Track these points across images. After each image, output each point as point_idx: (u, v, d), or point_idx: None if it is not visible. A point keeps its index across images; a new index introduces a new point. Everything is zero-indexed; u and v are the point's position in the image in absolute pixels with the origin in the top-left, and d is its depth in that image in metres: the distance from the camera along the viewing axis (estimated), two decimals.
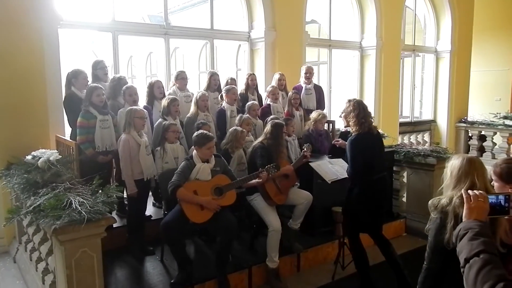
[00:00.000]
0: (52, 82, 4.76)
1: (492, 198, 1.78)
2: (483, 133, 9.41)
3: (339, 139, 4.05)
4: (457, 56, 9.64)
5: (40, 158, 3.62)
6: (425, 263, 2.37)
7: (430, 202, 2.28)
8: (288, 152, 4.65)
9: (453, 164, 2.26)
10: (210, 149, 3.62)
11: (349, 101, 3.55)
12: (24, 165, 3.72)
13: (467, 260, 1.55)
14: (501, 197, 1.79)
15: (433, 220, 2.27)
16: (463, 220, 1.74)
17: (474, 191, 1.77)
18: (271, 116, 4.84)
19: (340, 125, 6.88)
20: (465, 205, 1.74)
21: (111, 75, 4.90)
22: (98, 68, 4.68)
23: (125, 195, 4.16)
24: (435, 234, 2.25)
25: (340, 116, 3.68)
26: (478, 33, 10.16)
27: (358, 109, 3.46)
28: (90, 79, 4.61)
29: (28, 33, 4.53)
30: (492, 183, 2.28)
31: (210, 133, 3.75)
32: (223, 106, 5.04)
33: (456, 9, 9.43)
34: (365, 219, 3.55)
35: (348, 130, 5.95)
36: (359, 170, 3.46)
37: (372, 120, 3.60)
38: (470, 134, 9.74)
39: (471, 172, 2.18)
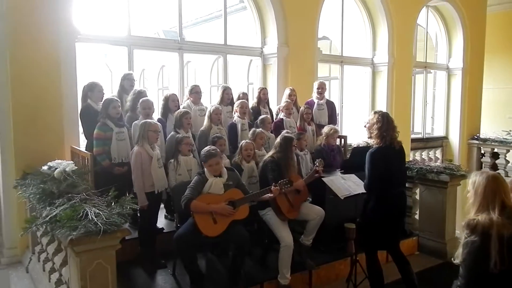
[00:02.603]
0: (68, 95, 4.83)
1: None
2: (495, 150, 9.32)
3: None
4: (469, 74, 9.62)
5: (56, 168, 3.67)
6: None
7: (464, 223, 2.19)
8: (299, 167, 4.65)
9: (477, 181, 2.21)
10: (212, 166, 3.58)
11: (375, 113, 3.55)
12: (40, 175, 3.76)
13: None
14: None
15: (470, 243, 2.16)
16: None
17: None
18: (284, 131, 4.86)
19: (352, 140, 6.92)
20: None
21: None
22: (126, 79, 4.82)
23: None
24: (475, 258, 2.15)
25: (364, 126, 3.68)
26: (490, 51, 10.15)
27: (381, 122, 3.44)
28: (117, 89, 4.76)
29: (46, 46, 4.62)
30: None
31: (214, 150, 3.67)
32: (234, 120, 5.08)
33: (468, 28, 9.45)
34: (380, 234, 3.51)
35: (361, 145, 5.99)
36: (375, 183, 3.45)
37: (397, 134, 3.56)
38: (482, 151, 9.65)
39: (499, 189, 2.14)
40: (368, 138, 3.63)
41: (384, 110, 3.61)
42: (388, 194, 3.47)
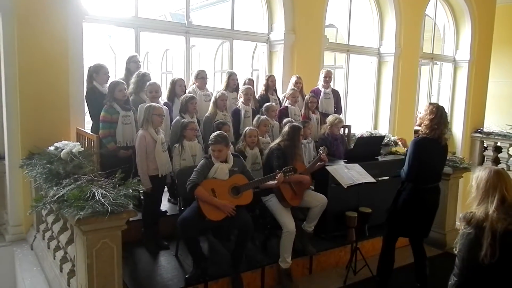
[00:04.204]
0: (75, 76, 4.83)
1: None
2: (499, 144, 9.32)
3: None
4: (475, 66, 9.57)
5: (62, 149, 3.69)
6: (455, 278, 2.32)
7: (461, 215, 2.24)
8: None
9: (480, 176, 2.25)
10: (214, 152, 3.59)
11: (430, 104, 3.53)
12: (46, 156, 3.80)
13: None
14: None
15: (465, 235, 2.22)
16: None
17: None
18: (287, 119, 4.86)
19: (356, 130, 6.93)
20: None
21: None
22: (132, 61, 4.82)
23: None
24: (469, 250, 2.21)
25: (416, 115, 3.68)
26: (497, 44, 10.06)
27: (435, 114, 3.42)
28: (123, 72, 4.75)
29: (54, 26, 4.60)
30: None
31: (219, 137, 3.62)
32: (238, 106, 5.08)
33: (477, 20, 9.36)
34: (407, 224, 3.55)
35: (365, 135, 6.01)
36: (413, 172, 3.45)
37: (447, 130, 3.55)
38: (485, 145, 9.65)
39: (500, 184, 2.18)
40: (417, 125, 3.60)
41: (441, 104, 3.58)
42: (423, 187, 3.49)
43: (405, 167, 3.53)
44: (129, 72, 4.80)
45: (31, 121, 4.52)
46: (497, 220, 2.11)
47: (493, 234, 2.10)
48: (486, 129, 9.67)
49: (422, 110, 3.59)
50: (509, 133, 9.01)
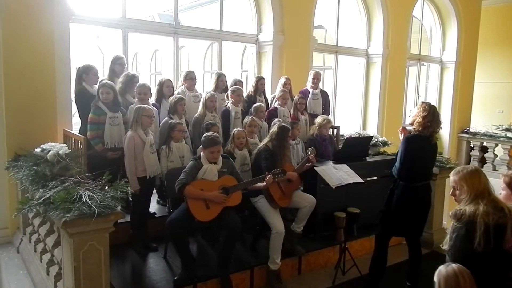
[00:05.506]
0: (62, 77, 4.78)
1: None
2: (485, 144, 9.45)
3: None
4: (462, 67, 9.70)
5: (49, 151, 3.64)
6: None
7: (451, 213, 2.30)
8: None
9: (469, 178, 2.31)
10: (213, 153, 3.60)
11: (423, 103, 3.56)
12: (32, 158, 3.75)
13: None
14: None
15: (457, 230, 2.27)
16: None
17: None
18: (276, 119, 4.87)
19: (345, 130, 6.98)
20: None
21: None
22: (117, 63, 4.76)
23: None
24: (460, 247, 2.26)
25: (409, 116, 3.71)
26: (483, 45, 10.22)
27: (427, 112, 3.45)
28: (107, 72, 4.71)
29: (41, 26, 4.55)
30: (499, 192, 2.36)
31: (218, 138, 3.69)
32: (228, 107, 5.07)
33: (463, 21, 9.50)
34: (401, 223, 3.58)
35: (353, 136, 6.05)
36: (405, 169, 3.48)
37: (438, 130, 3.59)
38: (472, 145, 9.78)
39: (486, 181, 2.27)
40: (409, 124, 3.62)
41: (432, 103, 3.61)
42: (415, 185, 3.52)
43: (397, 164, 3.56)
44: (113, 73, 4.73)
45: (17, 122, 4.46)
46: (487, 213, 2.17)
47: (486, 225, 2.15)
48: (472, 129, 9.79)
49: (414, 109, 3.61)
50: (495, 133, 9.13)
